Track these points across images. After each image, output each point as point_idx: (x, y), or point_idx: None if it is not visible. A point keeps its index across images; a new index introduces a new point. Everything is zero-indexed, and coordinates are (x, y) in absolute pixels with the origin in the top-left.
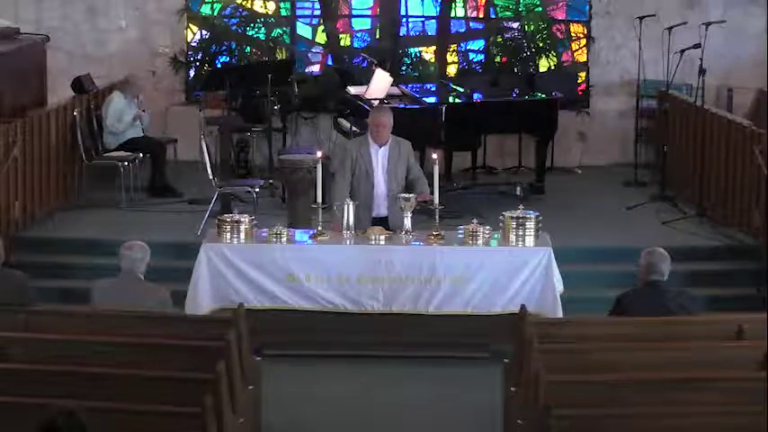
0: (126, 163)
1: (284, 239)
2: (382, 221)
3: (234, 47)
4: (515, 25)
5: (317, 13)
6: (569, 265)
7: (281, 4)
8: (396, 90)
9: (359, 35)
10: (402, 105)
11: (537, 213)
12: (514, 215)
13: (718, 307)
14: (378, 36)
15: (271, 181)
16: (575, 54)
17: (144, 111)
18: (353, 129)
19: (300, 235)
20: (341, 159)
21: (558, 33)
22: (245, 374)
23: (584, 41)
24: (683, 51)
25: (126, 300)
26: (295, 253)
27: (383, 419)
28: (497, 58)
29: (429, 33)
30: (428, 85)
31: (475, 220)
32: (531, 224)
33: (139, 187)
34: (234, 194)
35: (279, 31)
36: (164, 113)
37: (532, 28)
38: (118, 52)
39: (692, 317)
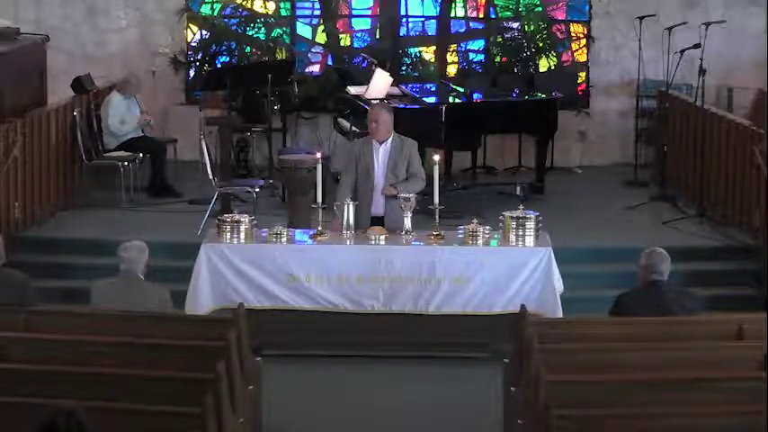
0: (126, 163)
1: (284, 239)
2: (379, 221)
3: (234, 47)
4: (515, 25)
5: (317, 13)
6: (569, 265)
7: (281, 4)
8: (396, 90)
9: (359, 35)
10: (402, 105)
11: (537, 213)
12: (514, 215)
13: (718, 307)
14: (378, 36)
15: (271, 181)
16: (575, 54)
17: (150, 119)
18: (353, 129)
19: (300, 235)
20: (346, 160)
21: (558, 33)
22: (245, 374)
23: (584, 41)
24: (683, 51)
25: (126, 300)
26: (295, 253)
27: (383, 419)
28: (497, 58)
29: (429, 33)
30: (428, 85)
31: (475, 220)
32: (531, 224)
33: (139, 187)
34: (234, 194)
35: (279, 31)
36: (164, 113)
37: (532, 28)
38: (118, 52)
39: (692, 317)
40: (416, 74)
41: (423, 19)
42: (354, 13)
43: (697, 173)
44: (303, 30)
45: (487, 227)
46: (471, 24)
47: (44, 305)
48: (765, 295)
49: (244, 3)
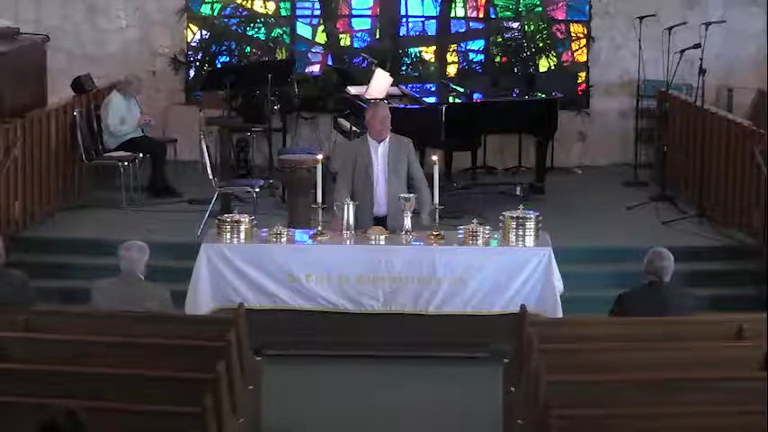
0: (126, 163)
1: (284, 239)
2: (382, 221)
3: (234, 47)
4: (515, 25)
5: (317, 13)
6: (569, 265)
7: (281, 4)
8: (396, 90)
9: (359, 35)
10: (402, 105)
11: (537, 213)
12: (514, 215)
13: (718, 307)
14: (378, 36)
15: (271, 181)
16: (575, 54)
17: (150, 120)
18: (353, 129)
19: (300, 235)
20: (343, 160)
21: (558, 33)
22: (245, 374)
23: (584, 41)
24: (683, 51)
25: (126, 300)
26: (295, 253)
27: (383, 419)
28: (497, 58)
29: (429, 33)
30: (428, 85)
31: (475, 220)
32: (531, 224)
33: (139, 187)
34: (234, 194)
35: (279, 31)
36: (164, 113)
37: (532, 28)
38: (118, 52)
39: (691, 317)
40: (416, 74)
41: (423, 19)
42: (354, 13)
43: (697, 173)
44: (303, 30)
45: (487, 227)
46: (471, 24)
47: (44, 305)
48: (765, 295)
49: (244, 3)
